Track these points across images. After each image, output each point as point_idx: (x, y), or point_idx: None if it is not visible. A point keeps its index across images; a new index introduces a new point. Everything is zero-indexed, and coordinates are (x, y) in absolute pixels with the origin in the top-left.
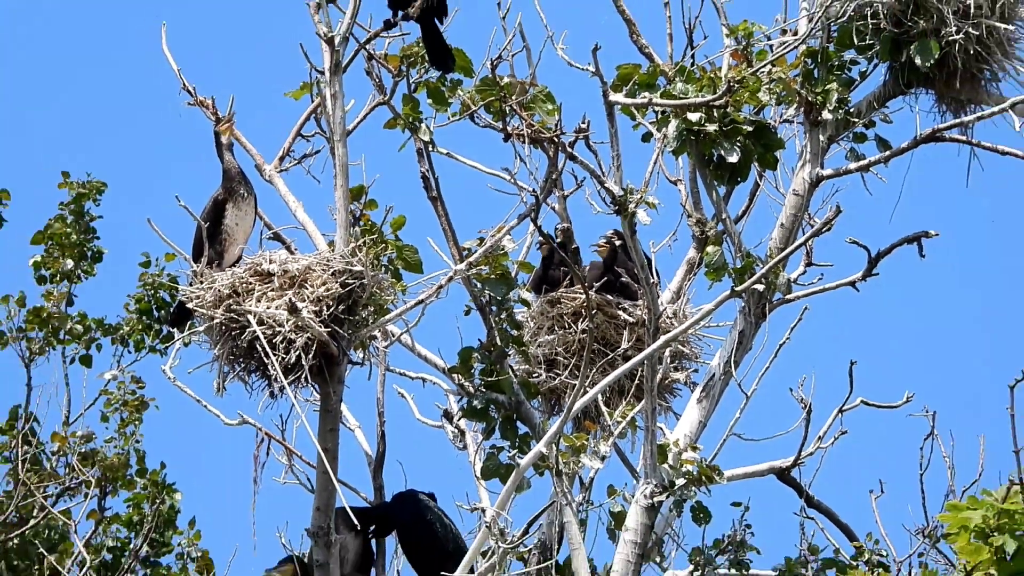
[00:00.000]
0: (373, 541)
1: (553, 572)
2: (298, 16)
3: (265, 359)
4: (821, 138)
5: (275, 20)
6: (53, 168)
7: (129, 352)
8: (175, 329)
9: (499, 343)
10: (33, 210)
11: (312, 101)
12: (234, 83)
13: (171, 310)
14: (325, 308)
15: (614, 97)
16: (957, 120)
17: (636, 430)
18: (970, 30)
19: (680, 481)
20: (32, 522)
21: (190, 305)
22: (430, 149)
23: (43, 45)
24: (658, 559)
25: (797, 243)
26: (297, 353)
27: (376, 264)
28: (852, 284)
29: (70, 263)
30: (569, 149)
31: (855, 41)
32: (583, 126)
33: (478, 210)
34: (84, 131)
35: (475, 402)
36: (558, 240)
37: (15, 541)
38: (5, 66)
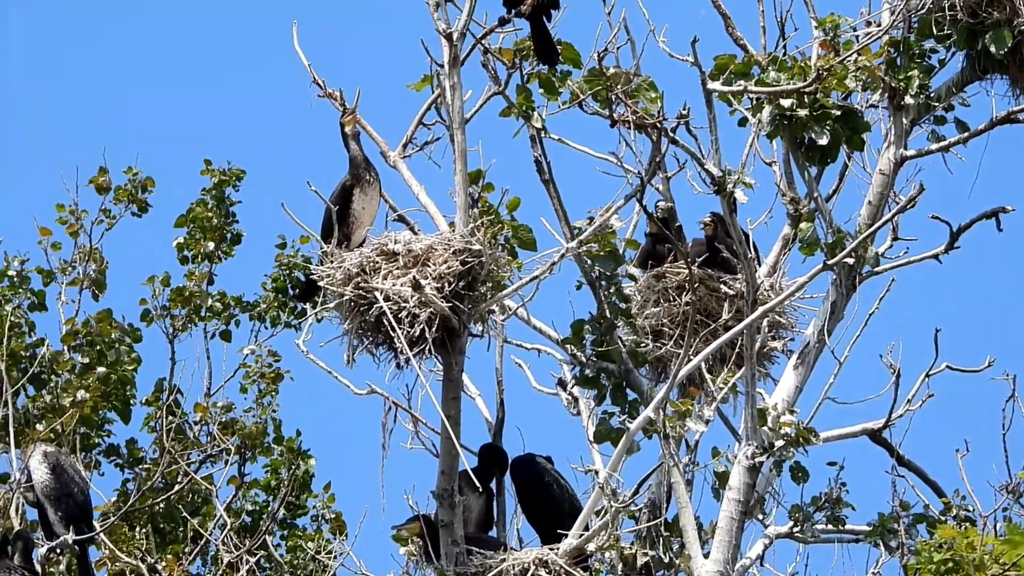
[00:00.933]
0: (495, 502)
1: (662, 529)
2: (419, 14)
3: (391, 333)
4: (904, 121)
5: (397, 18)
6: (195, 156)
7: (266, 328)
8: (302, 302)
9: (609, 315)
10: (176, 195)
11: (432, 92)
12: (360, 77)
13: (302, 285)
14: (447, 284)
15: (712, 85)
16: None
17: (737, 395)
18: None
19: (779, 443)
20: (176, 487)
21: (321, 284)
22: (542, 135)
23: (188, 43)
24: (760, 516)
25: (884, 219)
26: (421, 327)
27: (493, 243)
28: (935, 257)
29: (211, 245)
30: (671, 134)
31: (934, 31)
32: (684, 112)
33: (587, 192)
34: (225, 122)
35: (587, 371)
36: (661, 217)
37: (161, 505)
38: (152, 62)
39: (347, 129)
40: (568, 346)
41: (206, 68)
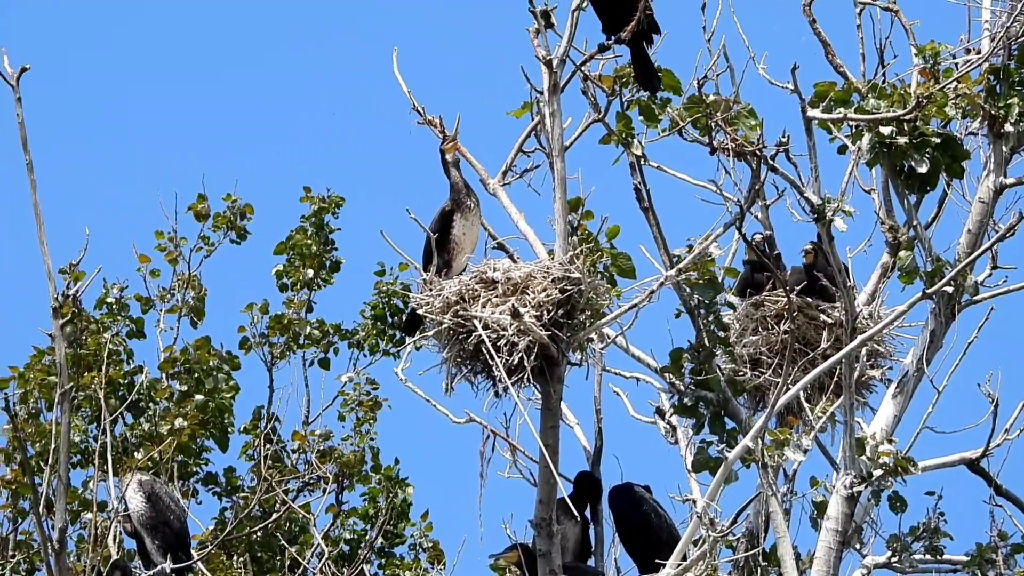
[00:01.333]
0: (592, 530)
1: (760, 559)
2: (519, 41)
3: (490, 361)
4: (1004, 149)
5: (497, 45)
6: (294, 184)
7: (364, 356)
8: (407, 335)
9: (707, 344)
10: (276, 222)
11: (532, 119)
12: (460, 104)
13: (404, 317)
14: (546, 313)
15: (812, 113)
16: None
17: (835, 424)
18: None
19: (877, 472)
20: (275, 516)
21: (420, 311)
22: (642, 163)
23: (290, 75)
24: (858, 545)
25: (983, 248)
26: (520, 355)
27: (593, 271)
28: None
29: (310, 272)
30: (771, 162)
31: None
32: (783, 140)
33: (686, 219)
34: (323, 149)
35: (685, 399)
36: (760, 246)
37: (259, 534)
38: (254, 92)
39: (448, 156)
40: (666, 374)
41: (308, 96)
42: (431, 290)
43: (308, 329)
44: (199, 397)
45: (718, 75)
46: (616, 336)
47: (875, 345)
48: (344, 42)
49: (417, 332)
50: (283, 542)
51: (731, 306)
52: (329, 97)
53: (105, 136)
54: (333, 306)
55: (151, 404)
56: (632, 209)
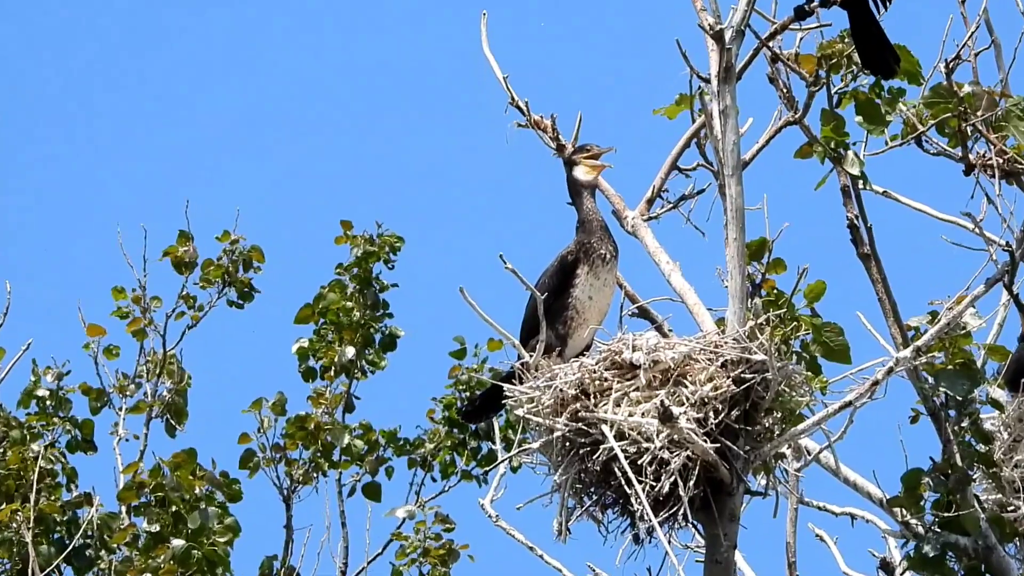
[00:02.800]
0: None
1: None
2: (673, 3)
3: (627, 488)
4: None
5: (638, 7)
6: (325, 216)
7: (433, 479)
8: (473, 421)
9: (960, 463)
10: (298, 275)
11: (692, 120)
12: (582, 98)
13: (471, 401)
14: (712, 414)
15: None
16: None
17: None
18: None
19: None
20: None
21: (520, 411)
22: (860, 186)
23: (297, 59)
24: None
25: None
26: (672, 479)
27: (785, 351)
28: None
29: (350, 351)
30: None
31: None
32: None
33: (928, 272)
34: (367, 165)
35: (926, 547)
36: None
37: None
38: (255, 83)
39: (580, 173)
40: (897, 509)
41: (335, 80)
42: (537, 379)
43: (347, 439)
44: (178, 542)
45: (977, 54)
46: (820, 450)
47: None
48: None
49: (490, 417)
50: None
51: (996, 405)
52: (371, 84)
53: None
54: (385, 403)
55: (104, 552)
56: (845, 257)
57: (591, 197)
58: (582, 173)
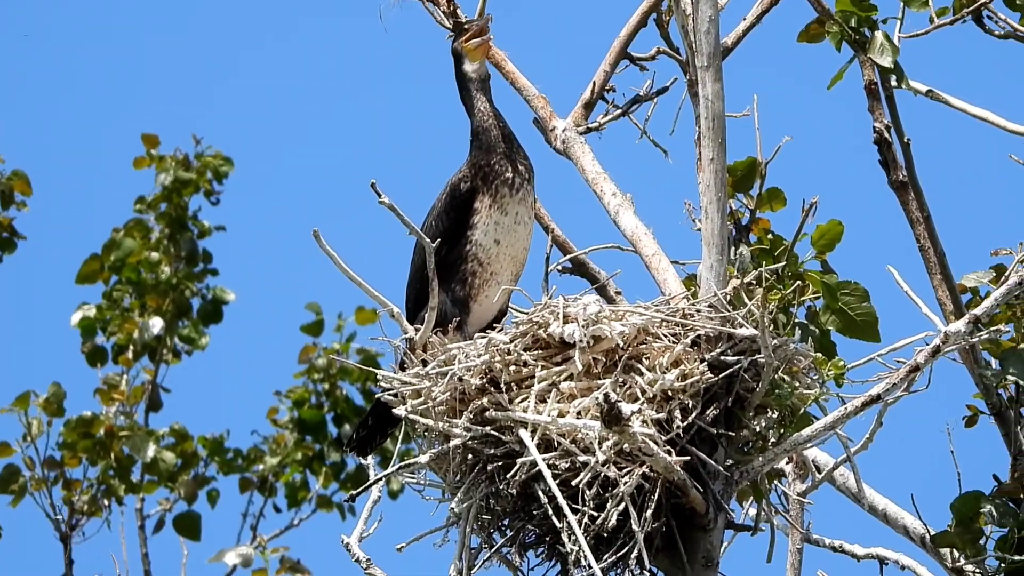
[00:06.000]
0: None
1: None
2: None
3: (556, 520)
4: None
5: None
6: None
7: (277, 508)
8: (363, 460)
9: None
10: (89, 214)
11: None
12: None
13: (360, 423)
14: (679, 414)
15: None
16: None
17: None
18: None
19: None
20: None
21: (400, 410)
22: (892, 85)
23: None
24: None
25: None
26: (621, 507)
27: (784, 323)
28: None
29: (157, 323)
30: None
31: None
32: None
33: (991, 209)
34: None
35: None
36: None
37: None
38: None
39: (468, 64)
40: (947, 550)
41: None
42: (425, 362)
43: (152, 450)
44: None
45: None
46: (836, 465)
47: None
48: None
49: (378, 446)
50: None
51: None
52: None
53: None
54: (206, 399)
55: None
56: (872, 186)
57: (484, 95)
58: (467, 63)
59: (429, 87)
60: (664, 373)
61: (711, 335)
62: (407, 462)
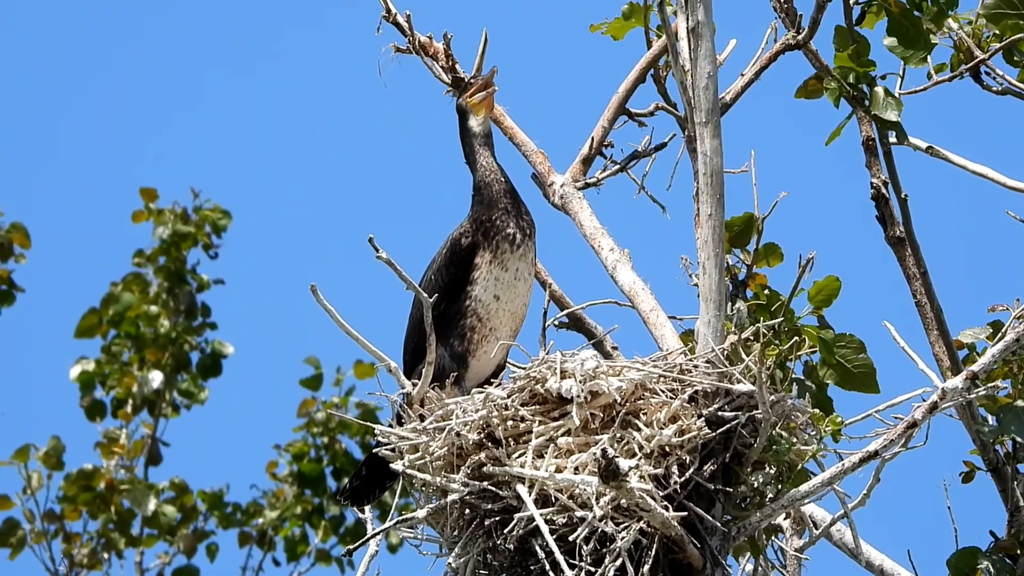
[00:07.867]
0: None
1: None
2: None
3: (553, 575)
4: None
5: None
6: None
7: (277, 563)
8: (357, 510)
9: None
10: (86, 268)
11: (648, 44)
12: (482, 11)
13: (354, 473)
14: (677, 470)
15: None
16: None
17: None
18: None
19: None
20: None
21: (397, 465)
22: (891, 140)
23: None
24: None
25: None
26: (619, 562)
27: (782, 379)
28: None
29: (156, 377)
30: None
31: None
32: None
33: (988, 266)
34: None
35: None
36: None
37: None
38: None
39: (474, 120)
40: None
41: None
42: (423, 418)
43: (152, 504)
44: None
45: None
46: (833, 521)
47: None
48: None
49: (375, 498)
50: None
51: None
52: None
53: None
54: (205, 453)
55: None
56: (870, 242)
57: (488, 150)
58: (472, 118)
59: (428, 141)
60: (662, 429)
61: (708, 391)
62: (404, 517)
